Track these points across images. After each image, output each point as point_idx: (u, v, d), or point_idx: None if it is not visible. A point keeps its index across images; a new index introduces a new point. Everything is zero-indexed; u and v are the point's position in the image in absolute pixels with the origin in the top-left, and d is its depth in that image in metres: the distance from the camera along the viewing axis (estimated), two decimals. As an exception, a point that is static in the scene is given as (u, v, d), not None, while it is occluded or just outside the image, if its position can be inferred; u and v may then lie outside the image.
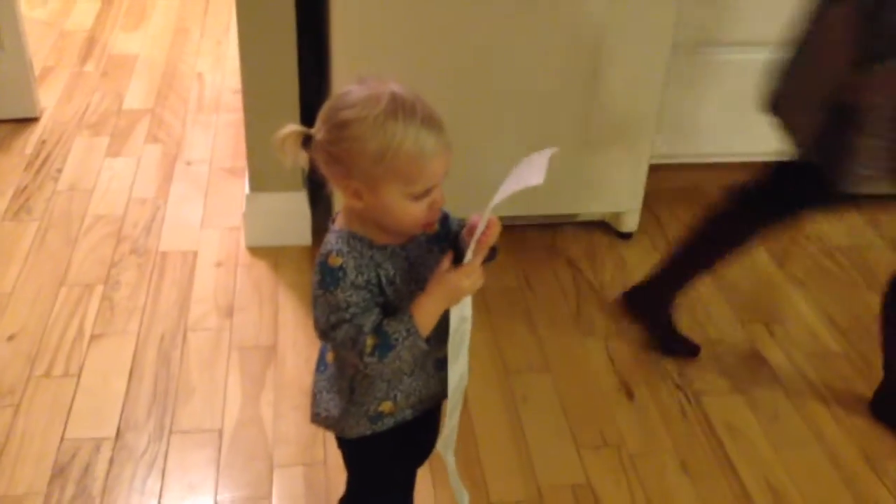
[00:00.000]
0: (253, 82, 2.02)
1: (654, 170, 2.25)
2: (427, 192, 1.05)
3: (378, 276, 1.07)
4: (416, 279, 1.09)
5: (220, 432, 1.71)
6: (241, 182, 2.31)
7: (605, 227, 2.31)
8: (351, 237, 1.08)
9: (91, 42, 3.16)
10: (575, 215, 2.29)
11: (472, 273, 1.08)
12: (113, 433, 1.69)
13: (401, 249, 1.10)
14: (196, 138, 2.64)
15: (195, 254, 2.17)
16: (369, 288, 1.06)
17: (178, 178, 2.45)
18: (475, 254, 1.08)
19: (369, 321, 1.06)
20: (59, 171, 2.45)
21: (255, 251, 2.18)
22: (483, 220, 1.05)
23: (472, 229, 1.10)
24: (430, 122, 1.03)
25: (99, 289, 2.04)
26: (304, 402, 1.77)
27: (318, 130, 1.06)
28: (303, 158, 1.07)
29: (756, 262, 2.24)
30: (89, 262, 2.13)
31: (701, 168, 2.45)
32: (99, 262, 2.13)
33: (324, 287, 1.06)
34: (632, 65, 2.02)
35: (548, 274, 2.17)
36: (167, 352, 1.89)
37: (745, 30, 2.23)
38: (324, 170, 1.08)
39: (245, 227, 2.19)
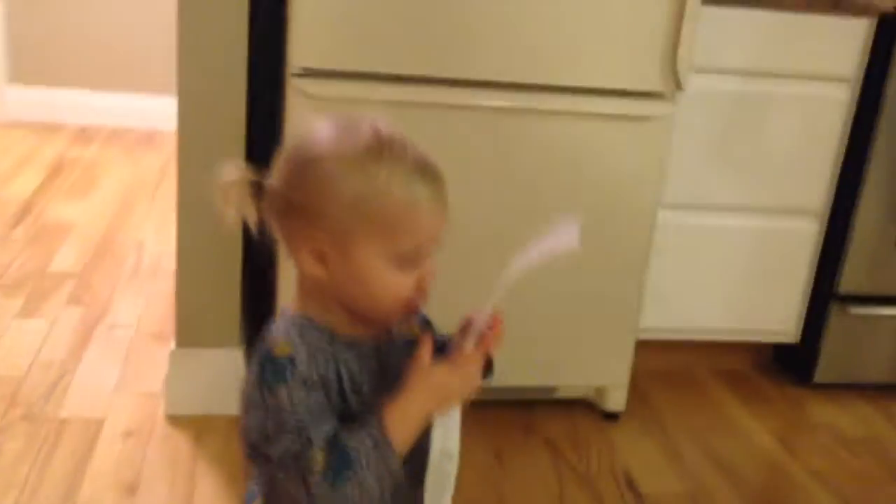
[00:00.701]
0: (188, 219, 1.77)
1: (643, 347, 2.00)
2: (415, 260, 0.78)
3: (339, 374, 0.78)
4: (388, 389, 0.79)
5: None
6: (167, 348, 1.99)
7: (588, 407, 2.00)
8: (305, 323, 0.79)
9: (26, 209, 2.93)
10: (554, 391, 1.99)
11: (465, 367, 0.79)
12: None
13: (370, 348, 0.81)
14: (124, 303, 2.33)
15: (101, 422, 1.80)
16: (325, 388, 0.76)
17: (97, 342, 2.12)
18: (473, 346, 0.80)
19: (321, 432, 0.74)
20: (-42, 329, 2.12)
21: (174, 420, 1.82)
22: (497, 291, 0.80)
23: (467, 329, 0.82)
24: (425, 167, 0.78)
25: (-27, 459, 1.65)
26: None
27: (275, 174, 0.80)
28: (250, 212, 0.81)
29: (766, 452, 1.93)
30: (-30, 429, 1.75)
31: (692, 347, 2.20)
32: (-19, 428, 1.75)
33: (263, 384, 0.76)
34: (615, 230, 1.81)
35: (525, 456, 1.83)
36: (44, 537, 1.48)
37: (740, 193, 2.06)
38: (277, 226, 0.81)
39: (167, 391, 1.84)
